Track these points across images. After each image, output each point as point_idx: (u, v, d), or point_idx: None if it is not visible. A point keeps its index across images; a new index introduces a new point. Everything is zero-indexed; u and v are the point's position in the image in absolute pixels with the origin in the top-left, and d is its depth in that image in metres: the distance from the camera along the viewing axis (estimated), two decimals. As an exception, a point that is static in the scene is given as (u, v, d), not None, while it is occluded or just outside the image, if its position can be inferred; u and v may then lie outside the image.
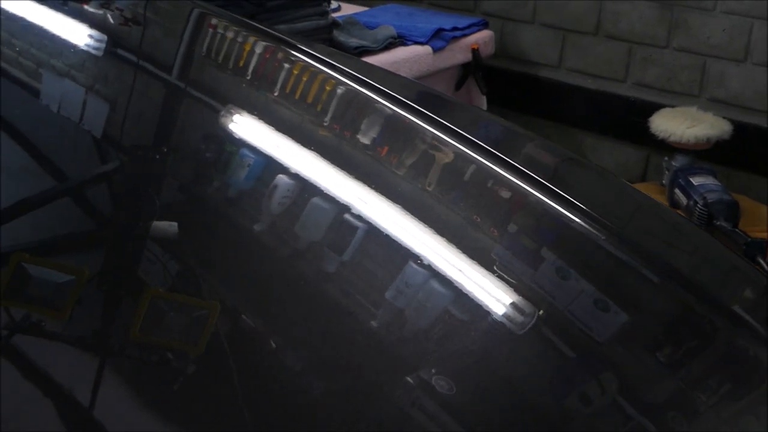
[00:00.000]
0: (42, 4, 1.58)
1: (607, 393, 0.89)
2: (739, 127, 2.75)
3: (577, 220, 1.08)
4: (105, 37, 1.52)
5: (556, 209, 1.10)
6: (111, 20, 1.59)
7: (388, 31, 2.72)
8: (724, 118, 2.77)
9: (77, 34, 1.56)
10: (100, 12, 1.62)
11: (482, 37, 3.07)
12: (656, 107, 2.90)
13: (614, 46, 3.10)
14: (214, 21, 1.55)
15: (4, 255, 0.96)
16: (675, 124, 2.69)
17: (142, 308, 0.88)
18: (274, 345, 0.93)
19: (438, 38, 2.85)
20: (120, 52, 1.55)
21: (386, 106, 1.32)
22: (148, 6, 1.72)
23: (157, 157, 1.27)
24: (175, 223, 1.09)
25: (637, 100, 3.06)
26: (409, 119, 1.28)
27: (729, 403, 0.91)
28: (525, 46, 3.32)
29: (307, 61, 1.43)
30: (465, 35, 2.99)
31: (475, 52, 2.99)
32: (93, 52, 1.51)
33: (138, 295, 0.95)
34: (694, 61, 2.93)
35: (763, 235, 2.37)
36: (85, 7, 1.63)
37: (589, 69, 3.19)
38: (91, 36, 1.53)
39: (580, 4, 3.12)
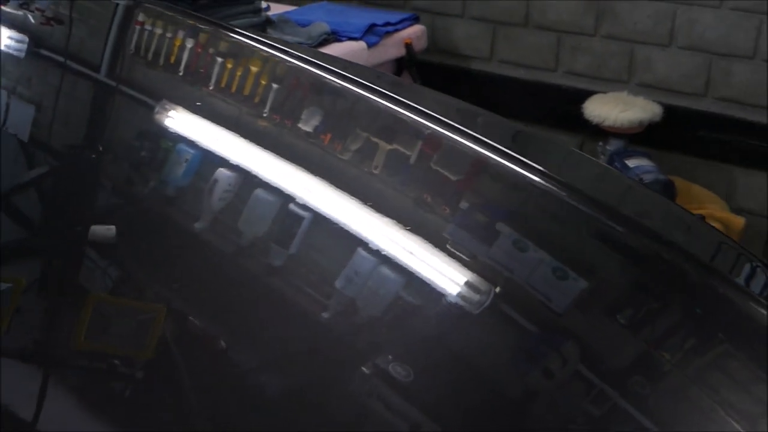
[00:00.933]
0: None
1: (569, 364, 0.88)
2: (668, 110, 2.81)
3: (535, 179, 1.05)
4: (26, 38, 1.47)
5: (513, 174, 1.08)
6: (32, 20, 1.53)
7: (321, 27, 2.69)
8: (653, 101, 2.82)
9: (1, 37, 1.49)
10: (19, 13, 1.55)
11: (414, 31, 3.07)
12: (587, 94, 2.93)
13: (544, 37, 3.13)
14: (141, 17, 1.51)
15: None
16: (608, 109, 2.73)
17: (86, 315, 0.85)
18: (224, 344, 0.92)
19: (371, 33, 2.83)
20: (43, 52, 1.50)
21: (329, 84, 1.28)
22: (69, 4, 1.67)
23: (91, 158, 1.23)
24: (113, 227, 1.05)
25: (569, 88, 3.09)
26: (352, 95, 1.24)
27: (695, 358, 0.91)
28: (456, 40, 3.33)
29: (245, 45, 1.40)
30: (397, 30, 2.98)
31: (408, 46, 2.98)
32: (14, 53, 1.45)
33: (80, 302, 0.91)
34: (622, 47, 2.98)
35: (698, 212, 2.42)
36: (2, 8, 1.56)
37: (521, 60, 3.21)
38: (11, 38, 1.47)
39: (509, -4, 3.14)
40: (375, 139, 1.17)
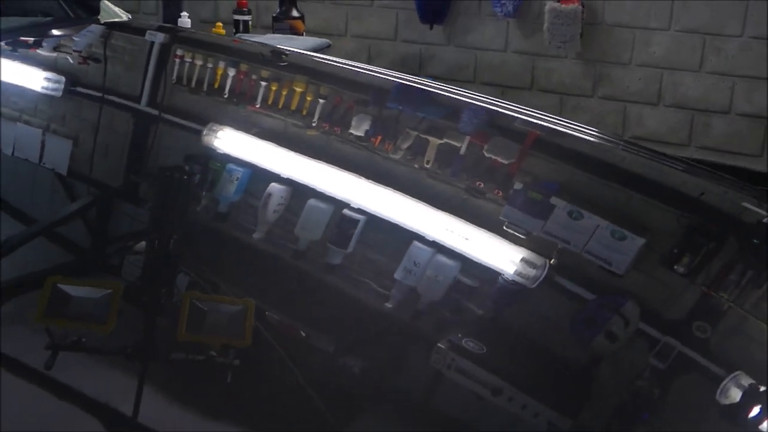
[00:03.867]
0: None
1: (631, 323, 0.84)
2: (658, 159, 2.93)
3: (591, 140, 1.02)
4: (62, 78, 1.33)
5: (568, 141, 1.04)
6: (70, 61, 1.43)
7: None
8: (645, 151, 2.94)
9: (35, 78, 1.36)
10: (54, 54, 1.47)
11: (435, 93, 3.19)
12: (587, 147, 3.04)
13: (548, 98, 3.28)
14: (179, 52, 1.43)
15: (37, 279, 0.88)
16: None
17: (185, 310, 0.81)
18: (303, 334, 0.87)
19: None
20: (84, 89, 1.36)
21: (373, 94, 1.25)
22: (108, 43, 1.57)
23: (180, 178, 1.23)
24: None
25: (571, 142, 3.21)
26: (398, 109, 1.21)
27: (751, 291, 0.86)
28: (470, 103, 3.45)
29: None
30: (422, 91, 3.10)
31: (431, 105, 3.10)
32: (51, 93, 1.30)
33: (176, 301, 0.85)
34: (617, 106, 3.13)
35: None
36: (37, 51, 1.47)
37: (527, 119, 3.33)
38: (48, 79, 1.35)
39: (516, 63, 3.29)
40: (423, 138, 1.12)
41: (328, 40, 3.16)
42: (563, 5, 2.99)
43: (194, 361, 0.77)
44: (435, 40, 3.42)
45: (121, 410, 0.74)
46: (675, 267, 0.89)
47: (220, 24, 3.18)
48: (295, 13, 3.02)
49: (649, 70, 3.05)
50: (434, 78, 3.46)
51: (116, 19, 1.67)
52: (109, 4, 1.71)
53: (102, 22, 1.65)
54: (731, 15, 2.89)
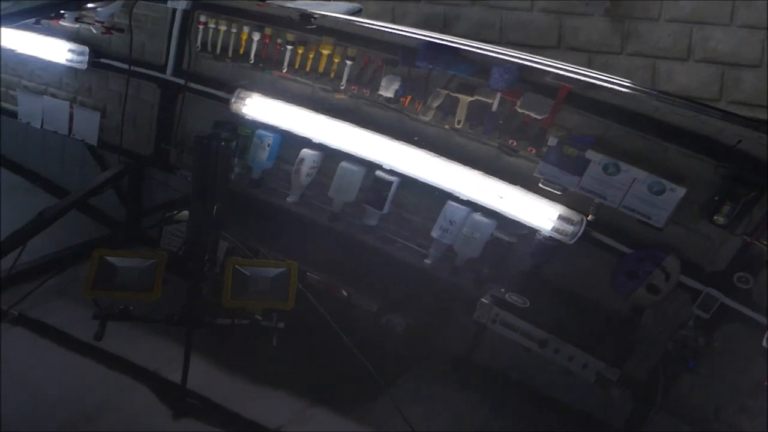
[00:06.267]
0: (15, 28, 1.42)
1: (672, 277, 0.83)
2: (689, 115, 2.81)
3: (624, 92, 0.99)
4: (86, 49, 1.36)
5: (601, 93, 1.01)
6: (93, 31, 1.42)
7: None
8: (675, 107, 2.82)
9: (61, 50, 1.39)
10: (76, 26, 1.46)
11: (462, 54, 3.09)
12: (616, 104, 2.93)
13: (576, 56, 3.19)
14: (203, 18, 1.42)
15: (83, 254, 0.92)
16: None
17: (228, 276, 0.81)
18: (345, 294, 0.92)
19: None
20: (107, 59, 1.40)
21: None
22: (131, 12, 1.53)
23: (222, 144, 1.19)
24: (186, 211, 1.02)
25: (599, 100, 3.09)
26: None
27: None
28: (497, 63, 3.35)
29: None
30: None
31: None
32: (75, 65, 1.35)
33: (218, 267, 0.88)
34: (646, 62, 3.03)
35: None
36: (60, 23, 1.46)
37: (555, 77, 3.22)
38: (72, 50, 1.38)
39: (542, 22, 3.19)
40: (453, 96, 1.09)
41: (359, 5, 3.07)
42: (592, -39, 2.85)
43: (240, 326, 0.78)
44: (459, 0, 3.29)
45: (171, 378, 0.78)
46: (714, 218, 0.85)
47: None
48: (322, -22, 2.92)
49: (678, 25, 2.92)
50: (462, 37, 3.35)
51: None
52: None
53: None
54: (763, -35, 2.73)
